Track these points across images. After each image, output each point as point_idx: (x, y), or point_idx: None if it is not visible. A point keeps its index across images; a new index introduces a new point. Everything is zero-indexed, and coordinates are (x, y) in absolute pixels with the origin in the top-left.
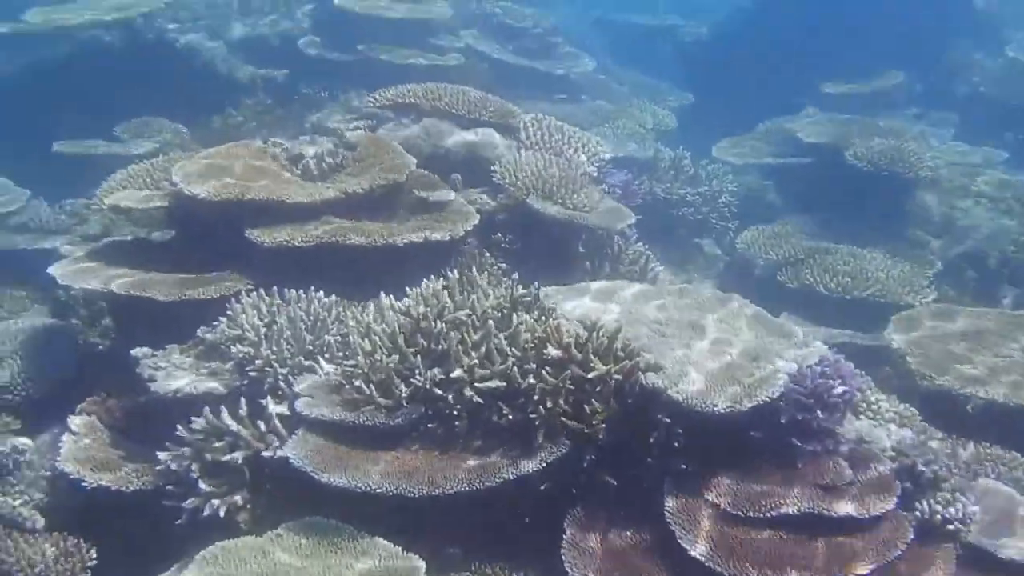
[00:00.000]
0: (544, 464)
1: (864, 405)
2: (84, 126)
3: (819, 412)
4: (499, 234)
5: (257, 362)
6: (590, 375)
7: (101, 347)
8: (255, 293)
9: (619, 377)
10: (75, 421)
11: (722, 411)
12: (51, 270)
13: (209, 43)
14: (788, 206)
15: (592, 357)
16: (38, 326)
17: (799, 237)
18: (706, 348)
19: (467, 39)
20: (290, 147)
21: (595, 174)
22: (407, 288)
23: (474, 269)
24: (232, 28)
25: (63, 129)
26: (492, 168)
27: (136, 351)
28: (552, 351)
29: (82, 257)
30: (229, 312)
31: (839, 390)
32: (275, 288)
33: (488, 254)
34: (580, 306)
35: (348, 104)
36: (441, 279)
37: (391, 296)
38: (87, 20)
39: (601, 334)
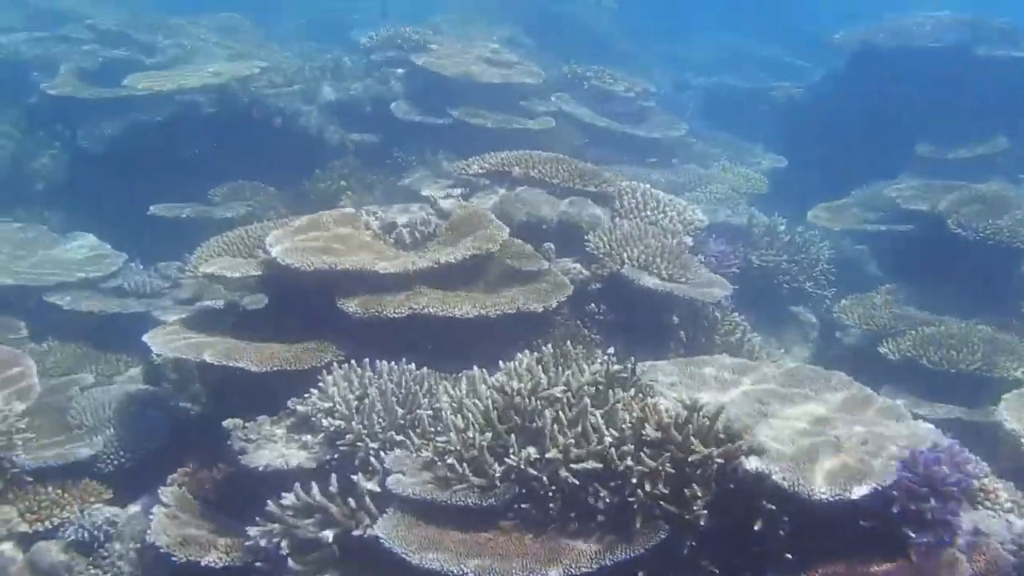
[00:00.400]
0: (642, 550)
1: (981, 494)
2: (180, 188)
3: (933, 501)
4: (593, 304)
5: (348, 436)
6: (690, 458)
7: (192, 412)
8: (347, 365)
9: (721, 460)
10: (166, 493)
11: (829, 499)
12: (146, 339)
13: (303, 107)
14: (887, 274)
15: (692, 439)
16: (131, 392)
17: (899, 307)
18: (811, 430)
19: (559, 103)
20: (383, 215)
21: (691, 243)
22: (500, 362)
23: (568, 342)
24: (325, 92)
25: (160, 191)
26: (586, 237)
27: (227, 422)
28: (650, 432)
29: (176, 324)
30: (320, 384)
31: (954, 477)
32: (366, 360)
33: (582, 325)
34: (678, 383)
35: (439, 168)
36: (535, 353)
37: (484, 369)
38: (185, 85)
39: (702, 415)
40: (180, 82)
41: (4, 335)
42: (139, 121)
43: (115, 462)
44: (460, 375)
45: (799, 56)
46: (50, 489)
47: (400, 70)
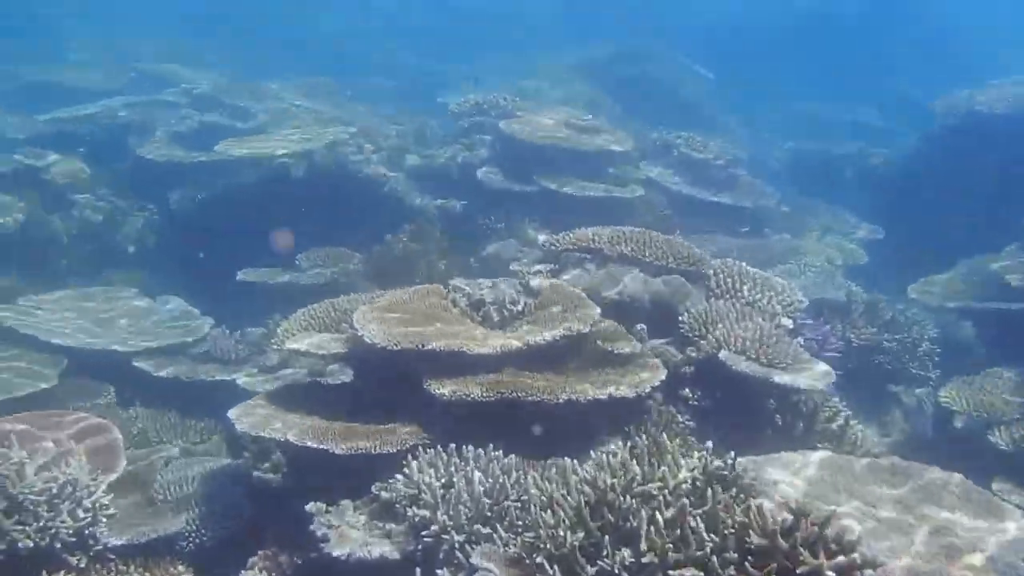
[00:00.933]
0: None
1: None
2: (269, 252)
3: None
4: (687, 390)
5: (433, 527)
6: (799, 570)
7: (273, 484)
8: (432, 450)
9: (832, 573)
10: None
11: None
12: (231, 415)
13: (389, 172)
14: (995, 355)
15: (801, 548)
16: (214, 467)
17: (1011, 391)
18: (929, 540)
19: (647, 170)
20: (471, 291)
21: (791, 325)
22: (592, 451)
23: (664, 434)
24: (411, 158)
25: (249, 255)
26: (680, 319)
27: (310, 507)
28: (755, 538)
29: (260, 399)
30: (406, 469)
31: None
32: (452, 446)
33: (676, 412)
34: (783, 481)
35: (525, 236)
36: (628, 444)
37: (574, 460)
38: (275, 150)
39: (811, 521)
40: (270, 147)
41: (92, 400)
42: (230, 185)
43: (196, 540)
44: (549, 463)
45: (889, 119)
46: (132, 568)
47: (487, 136)
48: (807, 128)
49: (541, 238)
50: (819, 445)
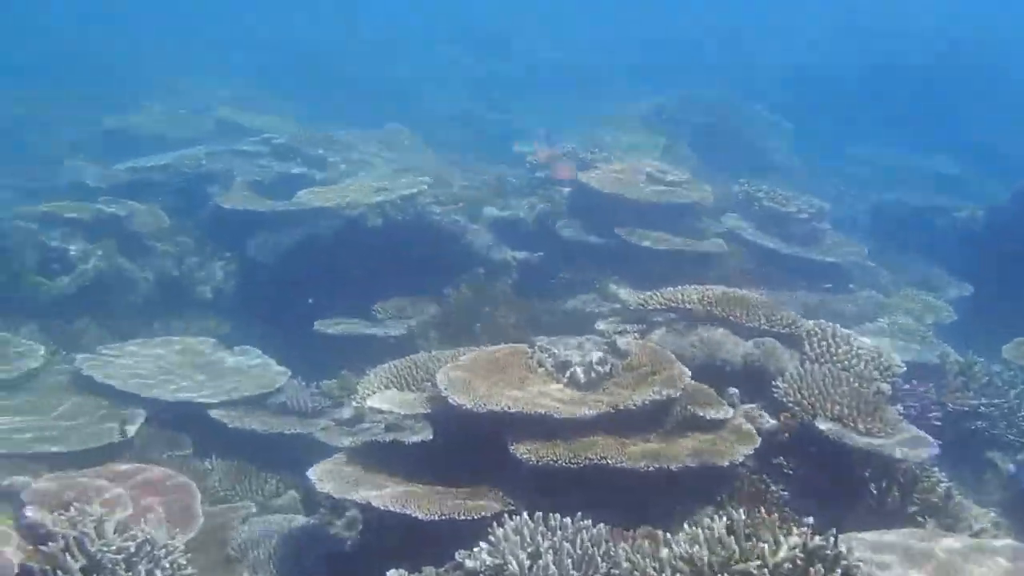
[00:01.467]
0: None
1: None
2: (346, 302)
3: None
4: (781, 458)
5: None
6: None
7: (349, 543)
8: (518, 518)
9: None
10: None
11: None
12: (311, 476)
13: (467, 224)
14: None
15: None
16: (290, 528)
17: None
18: None
19: (729, 223)
20: (556, 351)
21: (888, 391)
22: (683, 523)
23: (762, 508)
24: (489, 209)
25: (325, 305)
26: (774, 383)
27: (392, 574)
28: None
29: (340, 458)
30: (491, 537)
31: None
32: (539, 513)
33: (769, 481)
34: (886, 564)
35: (606, 291)
36: (723, 517)
37: (667, 533)
38: (353, 200)
39: None
40: (348, 197)
41: (170, 451)
42: (307, 235)
43: None
44: (639, 533)
45: (966, 168)
46: None
47: (567, 188)
48: (885, 178)
49: (622, 292)
50: (920, 518)
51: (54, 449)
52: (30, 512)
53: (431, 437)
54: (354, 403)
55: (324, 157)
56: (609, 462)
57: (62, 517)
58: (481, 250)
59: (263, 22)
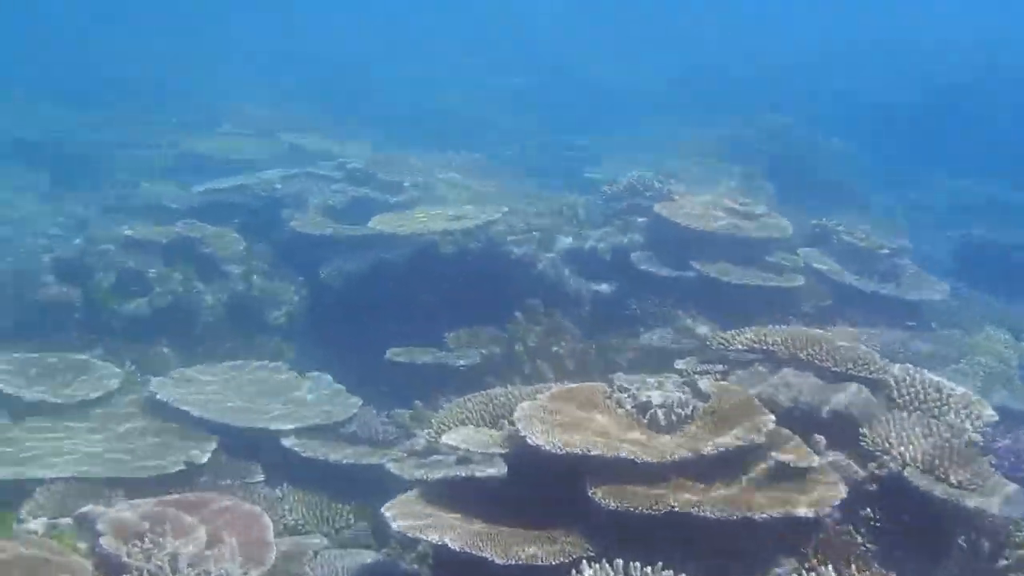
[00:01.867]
0: None
1: None
2: (417, 329)
3: None
4: (869, 509)
5: None
6: None
7: None
8: (596, 565)
9: None
10: None
11: None
12: (386, 514)
13: (541, 254)
14: None
15: None
16: (364, 563)
17: None
18: None
19: (806, 258)
20: (636, 392)
21: (980, 441)
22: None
23: (849, 562)
24: (563, 239)
25: (397, 332)
26: (860, 430)
27: None
28: None
29: (413, 496)
30: None
31: None
32: (619, 562)
33: (855, 533)
34: None
35: (681, 324)
36: (808, 569)
37: None
38: (426, 227)
39: None
40: (421, 224)
41: (241, 478)
42: (379, 261)
43: None
44: None
45: None
46: None
47: (640, 219)
48: (968, 212)
49: (698, 328)
50: (1011, 574)
51: (128, 474)
52: (105, 542)
53: (504, 474)
54: (428, 437)
55: (397, 182)
56: (691, 510)
57: (137, 549)
58: (554, 280)
59: (326, 50)
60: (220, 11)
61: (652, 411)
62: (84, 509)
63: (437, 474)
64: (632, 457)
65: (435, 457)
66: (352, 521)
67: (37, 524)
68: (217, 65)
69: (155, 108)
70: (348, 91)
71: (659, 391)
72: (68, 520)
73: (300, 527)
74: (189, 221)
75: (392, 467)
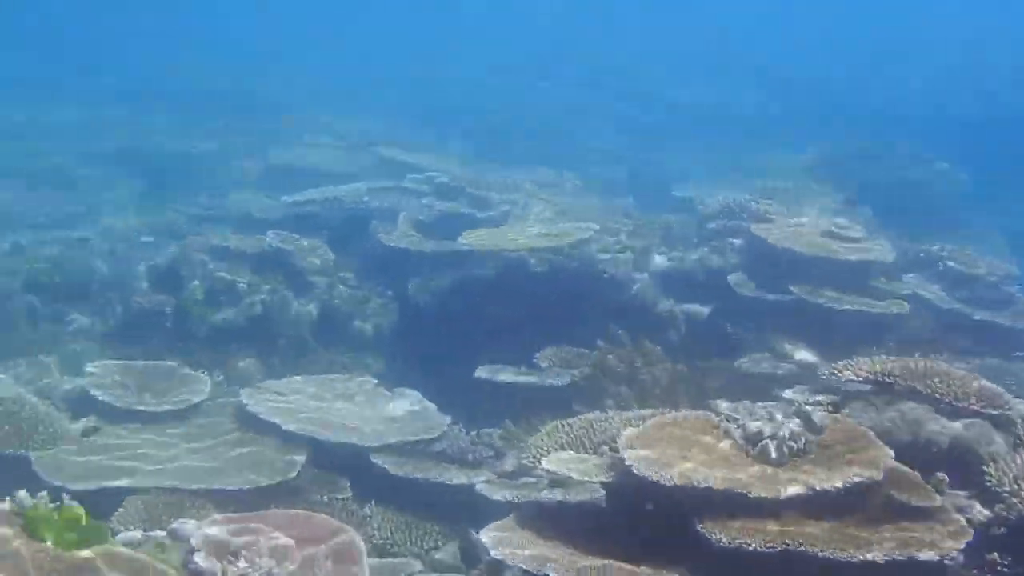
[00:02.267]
0: None
1: None
2: (506, 347)
3: None
4: (995, 554)
5: None
6: None
7: None
8: None
9: None
10: None
11: None
12: (485, 541)
13: (634, 274)
14: None
15: None
16: None
17: None
18: None
19: (909, 284)
20: (744, 422)
21: None
22: None
23: None
24: (657, 259)
25: (485, 349)
26: (984, 469)
27: None
28: None
29: (511, 522)
30: None
31: None
32: None
33: None
34: None
35: (780, 350)
36: None
37: None
38: (517, 244)
39: None
40: (512, 241)
41: (330, 494)
42: (469, 276)
43: None
44: None
45: None
46: None
47: (736, 240)
48: None
49: (799, 354)
50: None
51: (218, 486)
52: (199, 559)
53: (601, 501)
54: (524, 460)
55: (487, 197)
56: (807, 549)
57: (231, 567)
58: (647, 301)
59: (411, 63)
60: (310, 27)
61: (763, 443)
62: (177, 523)
63: (530, 498)
64: (744, 491)
65: (526, 479)
66: (441, 543)
67: (129, 535)
68: (307, 79)
69: (244, 119)
70: (437, 106)
71: (769, 423)
72: (160, 532)
73: (388, 547)
74: (280, 232)
75: (483, 489)
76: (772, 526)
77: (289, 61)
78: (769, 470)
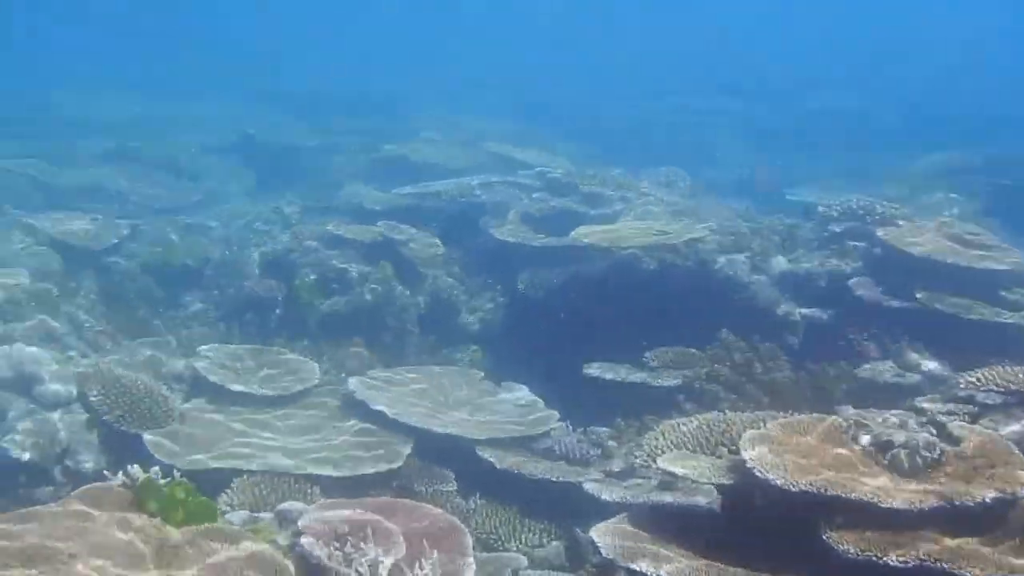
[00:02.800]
0: None
1: None
2: (616, 344)
3: None
4: None
5: None
6: None
7: None
8: None
9: None
10: None
11: None
12: (594, 537)
13: (752, 275)
14: None
15: None
16: None
17: None
18: None
19: None
20: (876, 429)
21: None
22: None
23: None
24: (776, 261)
25: (594, 345)
26: None
27: None
28: None
29: (624, 522)
30: None
31: None
32: None
33: None
34: None
35: (905, 358)
36: None
37: None
38: (631, 241)
39: None
40: (626, 238)
41: (435, 485)
42: (579, 272)
43: None
44: None
45: None
46: None
47: (859, 243)
48: None
49: (925, 363)
50: None
51: (324, 472)
52: (306, 542)
53: (716, 505)
54: (637, 459)
55: (599, 194)
56: (946, 565)
57: (338, 552)
58: (764, 303)
59: (522, 61)
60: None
61: (895, 452)
62: (284, 505)
63: (641, 499)
64: (876, 500)
65: (635, 480)
66: (545, 540)
67: (238, 516)
68: (419, 76)
69: (358, 115)
70: (550, 103)
71: (902, 431)
72: (267, 514)
73: (492, 541)
74: (391, 222)
75: (591, 488)
76: (906, 539)
77: (395, 63)
78: (902, 480)
